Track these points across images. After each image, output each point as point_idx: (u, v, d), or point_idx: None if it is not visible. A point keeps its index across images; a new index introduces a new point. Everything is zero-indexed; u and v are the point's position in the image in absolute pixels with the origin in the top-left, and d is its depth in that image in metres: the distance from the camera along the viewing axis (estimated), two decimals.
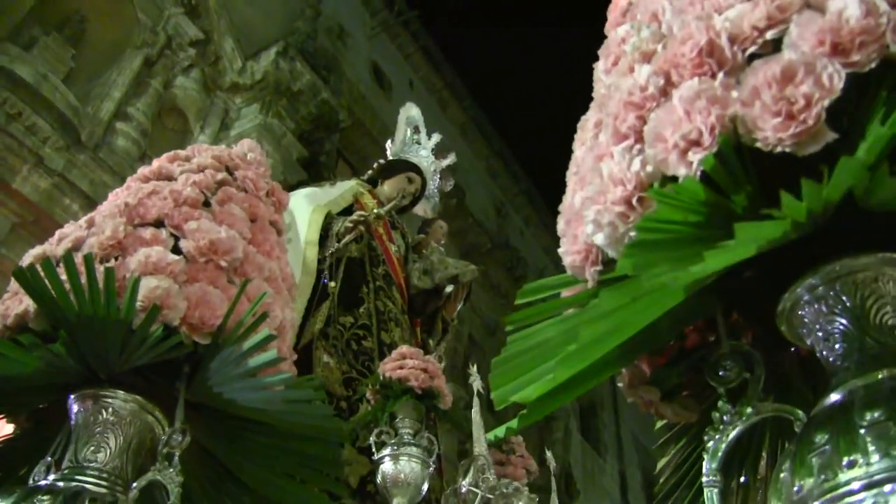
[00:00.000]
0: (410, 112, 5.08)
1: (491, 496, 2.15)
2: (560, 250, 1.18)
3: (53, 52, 9.52)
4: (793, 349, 1.25)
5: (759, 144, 0.90)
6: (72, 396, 1.73)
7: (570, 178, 1.23)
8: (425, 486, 2.76)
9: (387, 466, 2.73)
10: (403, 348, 3.12)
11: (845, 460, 0.84)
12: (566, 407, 18.22)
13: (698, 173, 0.93)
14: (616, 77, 1.16)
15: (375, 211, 4.15)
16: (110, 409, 1.70)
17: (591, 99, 1.36)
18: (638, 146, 1.02)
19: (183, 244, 1.77)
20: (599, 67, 1.32)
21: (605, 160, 1.04)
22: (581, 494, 15.92)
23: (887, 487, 0.80)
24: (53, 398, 1.80)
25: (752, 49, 0.98)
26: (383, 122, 14.51)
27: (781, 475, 0.93)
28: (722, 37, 0.98)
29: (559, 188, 1.30)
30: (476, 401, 2.99)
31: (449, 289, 4.40)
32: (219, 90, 11.85)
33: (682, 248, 0.93)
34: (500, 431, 1.27)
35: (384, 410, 2.88)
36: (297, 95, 12.20)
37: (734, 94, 0.94)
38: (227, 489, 1.89)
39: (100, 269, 1.59)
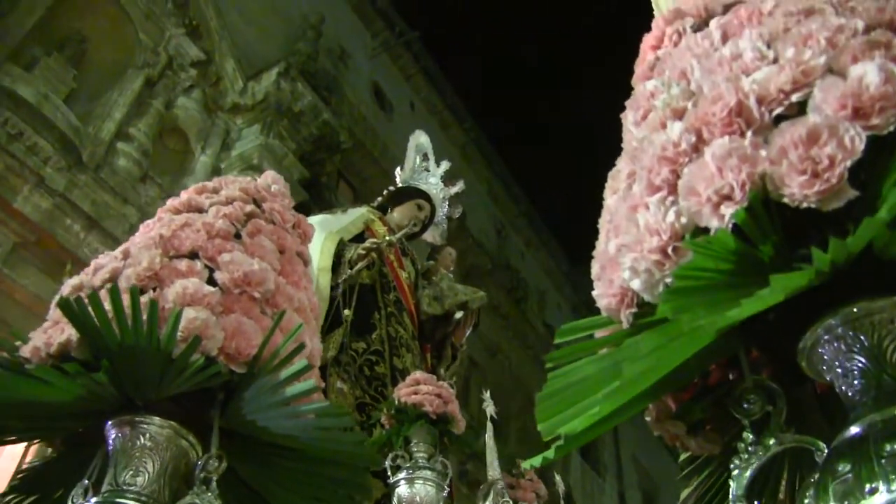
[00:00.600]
0: (420, 139, 5.19)
1: None
2: (595, 293, 1.25)
3: (55, 72, 9.58)
4: (810, 385, 1.33)
5: (786, 200, 0.98)
6: (109, 423, 1.79)
7: (604, 225, 1.31)
8: None
9: (402, 490, 2.80)
10: (417, 374, 3.20)
11: (867, 487, 0.92)
12: None
13: (730, 226, 1.00)
14: (647, 131, 1.24)
15: (387, 238, 4.24)
16: (147, 435, 1.76)
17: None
18: (671, 198, 1.10)
19: (218, 276, 1.84)
20: (629, 119, 1.39)
21: (640, 211, 1.12)
22: None
23: None
24: (89, 424, 1.86)
25: (778, 110, 1.06)
26: (384, 143, 14.62)
27: (806, 501, 1.00)
28: (750, 98, 1.06)
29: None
30: (489, 426, 3.06)
31: (458, 315, 4.49)
32: (220, 111, 11.93)
33: (716, 294, 1.01)
34: (535, 461, 1.34)
35: (399, 435, 2.95)
36: (299, 116, 12.29)
37: (763, 152, 1.02)
38: None
39: (143, 301, 1.66)
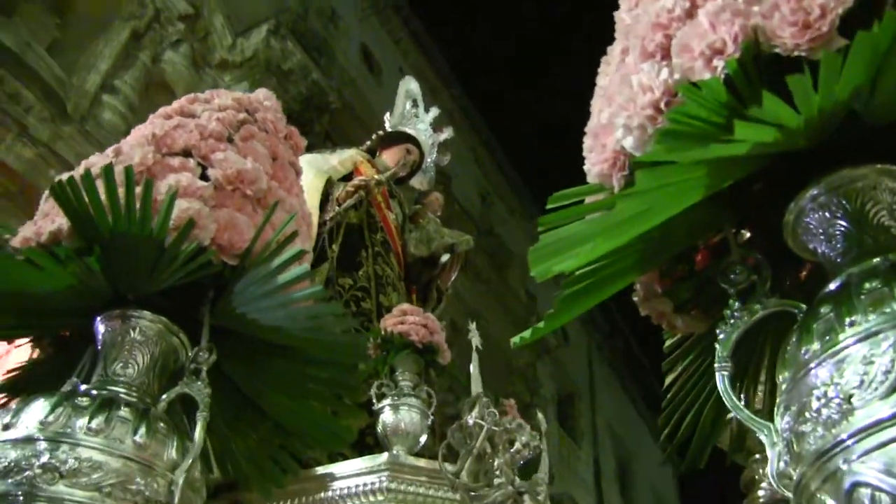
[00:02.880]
0: (409, 85, 5.19)
1: (496, 428, 2.25)
2: (586, 166, 1.28)
3: (37, 19, 9.43)
4: (793, 272, 1.36)
5: (777, 50, 1.01)
6: (99, 317, 1.80)
7: (596, 101, 1.33)
8: (424, 437, 2.87)
9: (387, 416, 2.83)
10: (404, 305, 3.22)
11: (846, 321, 0.98)
12: (546, 394, 18.37)
13: (722, 77, 1.03)
14: (641, 9, 1.26)
15: (377, 177, 4.25)
16: (137, 329, 1.77)
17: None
18: (665, 62, 1.13)
19: (211, 173, 1.85)
20: (623, 9, 1.41)
21: (633, 75, 1.14)
22: (556, 480, 16.10)
23: (880, 337, 0.92)
24: (79, 322, 1.88)
25: None
26: (372, 106, 14.53)
27: (789, 347, 1.04)
28: None
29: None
30: (475, 356, 3.09)
31: (445, 258, 4.51)
32: (208, 66, 11.77)
33: (706, 141, 1.03)
34: (526, 334, 1.37)
35: (385, 363, 2.98)
36: (288, 75, 12.18)
37: (755, 7, 1.05)
38: (247, 416, 1.98)
39: (137, 191, 1.66)
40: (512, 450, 2.25)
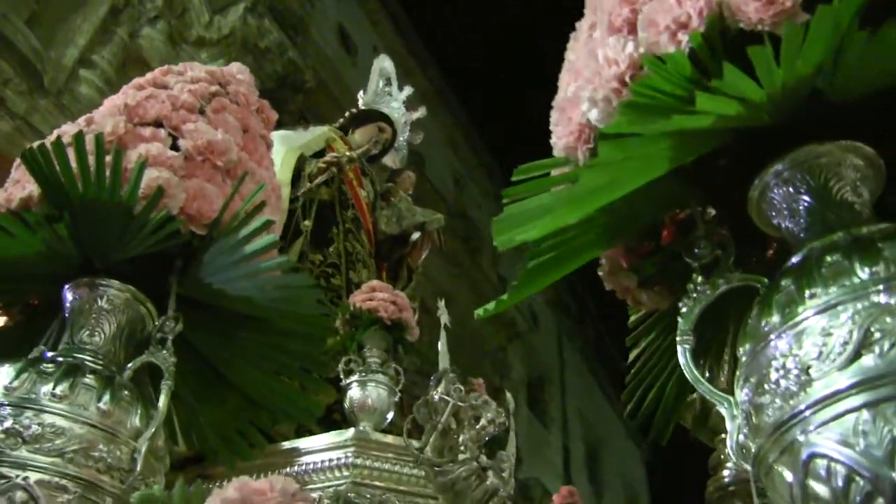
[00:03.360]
0: (383, 64, 5.18)
1: (462, 404, 2.26)
2: (553, 140, 1.29)
3: None
4: (758, 251, 1.38)
5: (742, 25, 1.03)
6: (67, 286, 1.80)
7: (564, 75, 1.34)
8: (391, 414, 2.88)
9: (354, 392, 2.83)
10: (374, 282, 3.23)
11: (806, 293, 0.99)
12: (515, 378, 18.45)
13: (687, 51, 1.04)
14: None
15: (348, 154, 4.25)
16: (105, 298, 1.77)
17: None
18: (631, 36, 1.14)
19: (181, 143, 1.84)
20: None
21: (600, 49, 1.16)
22: (525, 463, 16.19)
23: (839, 309, 0.93)
24: (47, 289, 1.87)
25: None
26: (347, 86, 14.46)
27: (750, 320, 1.06)
28: None
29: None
30: (443, 333, 3.10)
31: (415, 236, 4.52)
32: (185, 43, 11.69)
33: (668, 114, 1.04)
34: (490, 306, 1.38)
35: (353, 339, 2.98)
36: (264, 53, 12.13)
37: None
38: (215, 389, 1.98)
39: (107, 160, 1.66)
40: (477, 426, 2.27)
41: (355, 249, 4.11)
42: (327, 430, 2.93)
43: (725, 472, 1.98)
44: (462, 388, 2.36)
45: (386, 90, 5.03)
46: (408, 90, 5.06)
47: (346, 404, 2.83)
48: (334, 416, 3.23)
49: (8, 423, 1.48)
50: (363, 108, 4.94)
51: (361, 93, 5.12)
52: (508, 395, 3.44)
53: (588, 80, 1.15)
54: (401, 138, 4.92)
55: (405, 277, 4.51)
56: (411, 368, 3.18)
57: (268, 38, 12.25)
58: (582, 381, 23.48)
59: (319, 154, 4.29)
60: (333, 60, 15.12)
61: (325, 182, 4.10)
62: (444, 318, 3.23)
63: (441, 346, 3.10)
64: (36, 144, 1.72)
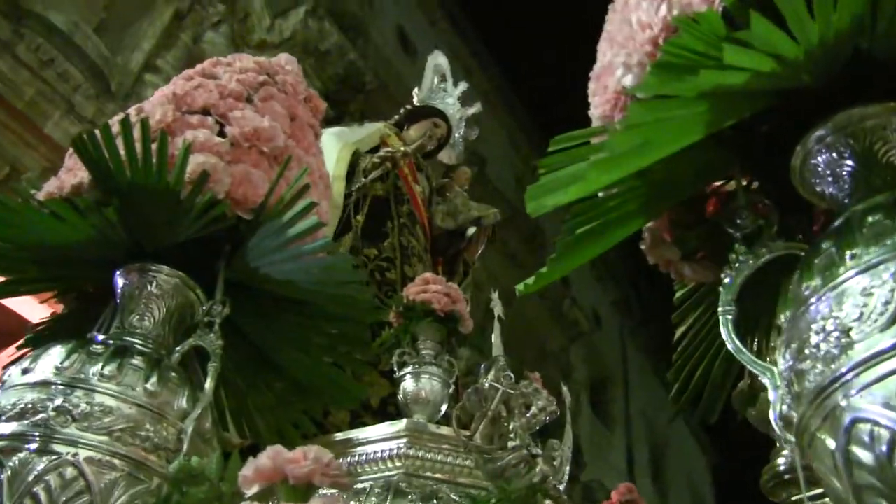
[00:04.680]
0: (438, 60, 5.20)
1: (512, 392, 2.25)
2: (590, 110, 1.28)
3: (86, 1, 9.62)
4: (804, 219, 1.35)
5: None
6: (118, 271, 1.84)
7: (601, 45, 1.33)
8: (444, 406, 2.87)
9: (408, 384, 2.83)
10: (427, 275, 3.22)
11: (847, 254, 0.97)
12: (578, 379, 18.33)
13: (720, 9, 1.02)
14: None
15: (403, 149, 4.26)
16: (154, 283, 1.80)
17: None
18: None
19: (228, 130, 1.87)
20: None
21: (633, 13, 1.14)
22: (588, 466, 16.08)
23: (881, 268, 0.91)
24: (99, 275, 1.91)
25: None
26: (407, 87, 14.47)
27: (791, 286, 1.04)
28: None
29: None
30: (497, 325, 3.09)
31: (471, 231, 4.52)
32: (247, 47, 11.86)
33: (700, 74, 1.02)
34: (530, 281, 1.37)
35: (407, 332, 2.98)
36: (325, 55, 12.25)
37: None
38: (263, 373, 2.01)
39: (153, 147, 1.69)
40: (528, 414, 2.25)
41: (410, 244, 4.12)
42: (382, 422, 2.95)
43: (780, 460, 1.93)
44: (512, 375, 2.35)
45: (441, 86, 5.04)
46: (462, 86, 5.07)
47: (400, 396, 2.83)
48: (389, 409, 3.23)
49: (59, 401, 1.52)
50: (418, 104, 4.96)
51: (416, 89, 5.14)
52: (565, 388, 3.42)
53: (622, 45, 1.14)
54: (456, 134, 4.92)
55: (461, 272, 4.50)
56: (465, 365, 3.17)
57: (328, 40, 12.36)
58: (646, 383, 23.21)
59: (374, 150, 4.31)
60: (393, 61, 15.18)
61: (380, 177, 4.11)
62: (498, 309, 3.21)
63: (495, 336, 3.09)
64: (86, 132, 1.76)
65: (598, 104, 1.22)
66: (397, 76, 14.83)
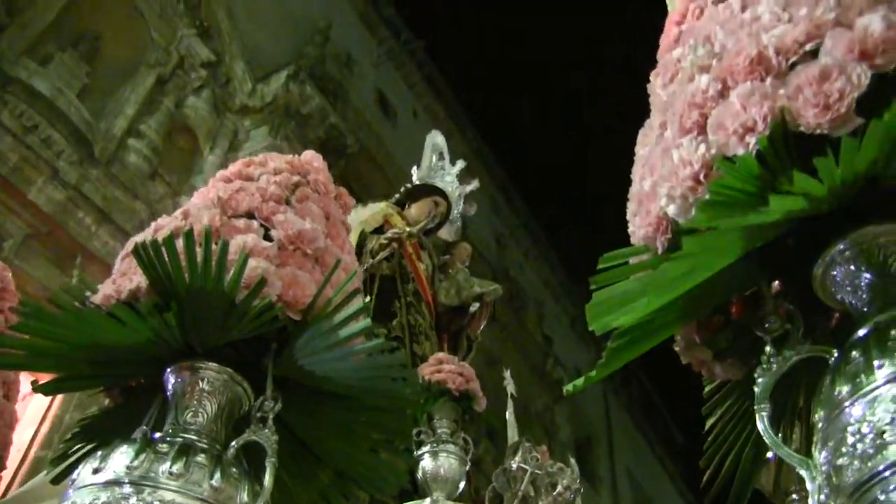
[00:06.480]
0: (436, 139, 5.40)
1: (538, 472, 2.36)
2: (630, 229, 1.43)
3: (69, 67, 9.78)
4: (823, 319, 1.50)
5: (802, 129, 1.17)
6: (169, 369, 1.94)
7: (637, 171, 1.49)
8: (462, 483, 2.98)
9: (426, 463, 2.94)
10: (440, 354, 3.37)
11: (875, 363, 1.11)
12: (563, 440, 18.34)
13: (754, 152, 1.18)
14: (677, 86, 1.42)
15: (408, 229, 4.42)
16: (205, 380, 1.90)
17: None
18: (701, 137, 1.28)
19: (273, 233, 1.99)
20: (657, 84, 1.58)
21: (673, 149, 1.30)
22: None
23: None
24: (149, 372, 2.01)
25: (793, 59, 1.25)
26: (388, 150, 14.73)
27: (823, 389, 1.18)
28: (769, 49, 1.26)
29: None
30: (510, 403, 3.21)
31: (474, 307, 4.66)
32: (229, 111, 12.07)
33: (742, 209, 1.19)
34: (579, 382, 1.51)
35: (423, 411, 3.10)
36: (307, 119, 12.43)
37: (781, 91, 1.21)
38: (307, 466, 2.10)
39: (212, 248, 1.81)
40: (554, 492, 2.37)
41: (417, 322, 4.26)
42: (400, 501, 3.03)
43: None
44: (538, 456, 2.47)
45: (439, 164, 5.24)
46: (460, 164, 5.28)
47: (419, 475, 2.93)
48: (405, 487, 3.33)
49: (132, 501, 1.61)
50: (418, 182, 5.12)
51: (415, 168, 5.32)
52: (572, 459, 3.53)
53: (664, 178, 1.29)
54: (455, 211, 5.09)
55: (465, 347, 4.65)
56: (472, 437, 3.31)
57: (309, 104, 12.57)
58: (630, 441, 23.27)
59: (378, 230, 4.46)
60: (373, 124, 15.42)
61: (387, 257, 4.26)
62: (511, 387, 3.36)
63: (509, 415, 3.22)
64: (145, 239, 1.87)
65: (641, 226, 1.37)
66: (377, 139, 15.06)
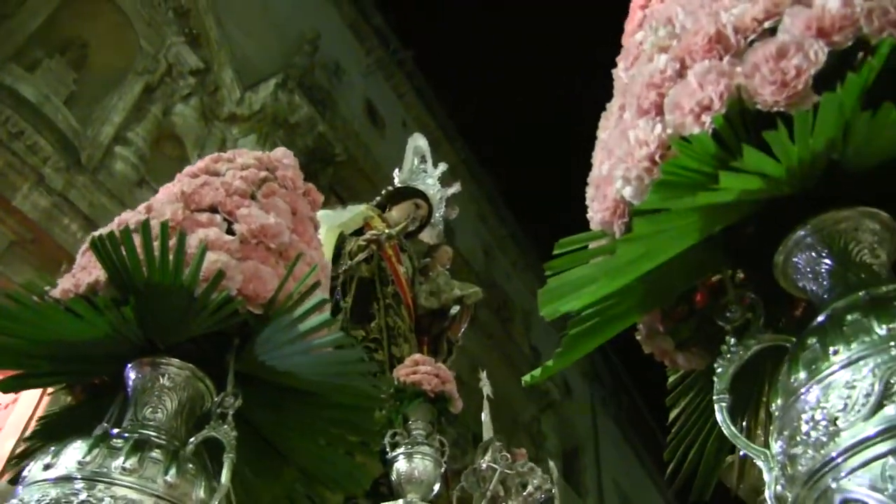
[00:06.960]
0: (418, 142, 5.37)
1: (509, 472, 2.33)
2: (589, 214, 1.40)
3: (56, 74, 9.73)
4: (786, 310, 1.47)
5: (759, 107, 1.14)
6: (129, 365, 1.91)
7: (597, 154, 1.45)
8: (437, 486, 2.95)
9: (401, 465, 2.91)
10: (416, 356, 3.33)
11: (830, 349, 1.08)
12: (550, 450, 18.29)
13: (710, 131, 1.15)
14: (637, 68, 1.39)
15: (387, 231, 4.39)
16: (166, 376, 1.87)
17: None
18: (658, 118, 1.25)
19: (236, 227, 1.96)
20: (620, 67, 1.55)
21: (630, 130, 1.27)
22: None
23: (861, 364, 1.03)
24: (110, 369, 1.98)
25: (752, 37, 1.22)
26: (375, 159, 14.71)
27: (780, 377, 1.15)
28: (728, 28, 1.23)
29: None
30: (486, 404, 3.18)
31: (454, 310, 4.63)
32: (217, 119, 12.03)
33: (696, 190, 1.15)
34: (536, 373, 1.47)
35: (398, 413, 3.07)
36: (295, 128, 12.40)
37: (738, 69, 1.19)
38: (271, 463, 2.07)
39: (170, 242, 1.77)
40: (525, 493, 2.33)
41: (396, 324, 4.23)
42: (375, 503, 3.00)
43: None
44: (508, 455, 2.44)
45: (421, 167, 5.22)
46: (442, 167, 5.25)
47: (393, 477, 2.90)
48: (381, 490, 3.30)
49: (83, 497, 1.57)
50: (399, 185, 5.10)
51: (397, 170, 5.30)
52: (552, 463, 3.50)
53: (621, 159, 1.26)
54: (437, 214, 5.07)
55: (445, 351, 4.62)
56: (449, 440, 3.29)
57: (298, 112, 12.55)
58: (617, 451, 23.22)
59: (358, 232, 4.44)
60: (361, 134, 15.39)
61: (366, 259, 4.24)
62: (487, 389, 3.33)
63: (484, 416, 3.19)
64: (103, 232, 1.84)
65: (598, 210, 1.34)
66: (365, 148, 15.03)
